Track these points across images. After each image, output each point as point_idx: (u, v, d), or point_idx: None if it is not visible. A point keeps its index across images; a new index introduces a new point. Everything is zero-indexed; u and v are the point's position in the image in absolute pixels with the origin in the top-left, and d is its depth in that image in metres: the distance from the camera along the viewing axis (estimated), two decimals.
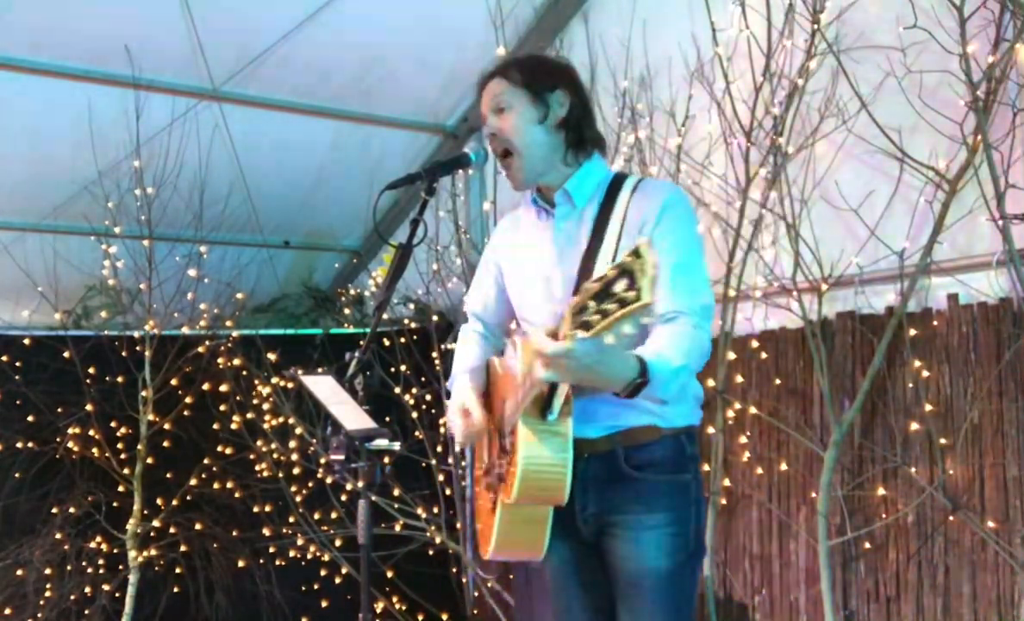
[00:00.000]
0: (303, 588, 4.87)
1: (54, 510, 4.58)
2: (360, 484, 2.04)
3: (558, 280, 2.06)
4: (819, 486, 3.28)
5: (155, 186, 4.37)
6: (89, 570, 4.58)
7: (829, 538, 3.27)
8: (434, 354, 4.73)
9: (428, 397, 4.78)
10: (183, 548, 4.72)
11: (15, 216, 4.63)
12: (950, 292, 3.08)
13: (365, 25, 4.19)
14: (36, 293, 4.52)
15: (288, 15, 4.04)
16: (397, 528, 4.56)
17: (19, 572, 4.48)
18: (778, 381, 3.58)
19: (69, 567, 4.54)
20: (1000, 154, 2.82)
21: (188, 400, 4.71)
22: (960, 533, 3.02)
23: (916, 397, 3.12)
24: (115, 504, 4.64)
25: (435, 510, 4.63)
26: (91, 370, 4.62)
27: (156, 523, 4.64)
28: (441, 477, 4.71)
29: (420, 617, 4.84)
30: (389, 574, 4.72)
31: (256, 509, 4.76)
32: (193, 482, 4.73)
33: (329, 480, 4.63)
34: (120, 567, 4.58)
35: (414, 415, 4.65)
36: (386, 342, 4.74)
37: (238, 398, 4.71)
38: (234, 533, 4.80)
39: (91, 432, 4.58)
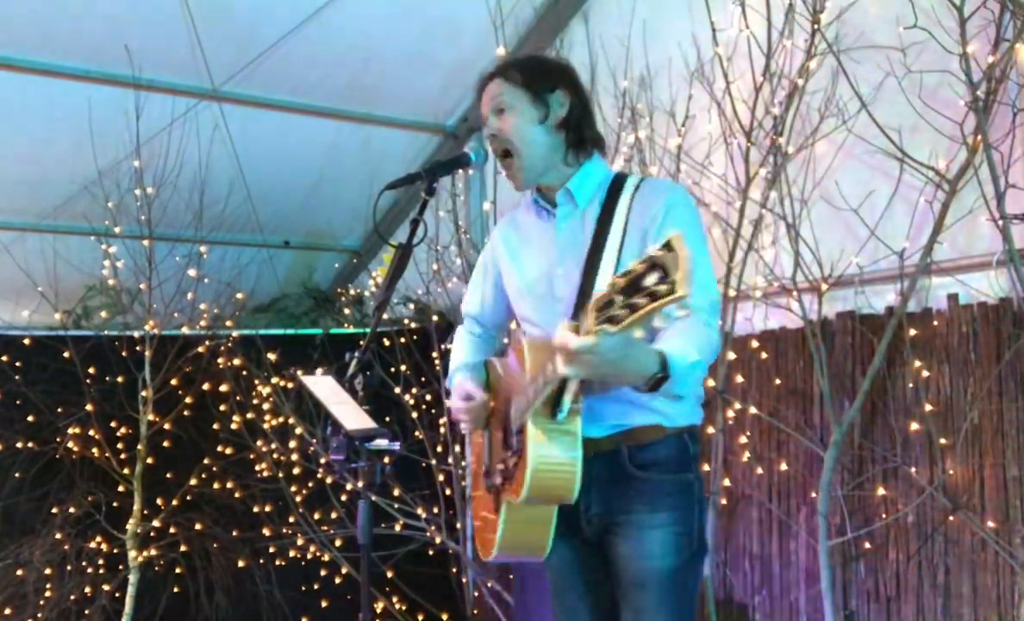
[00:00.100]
0: (303, 588, 4.87)
1: (54, 510, 4.59)
2: (360, 484, 2.04)
3: (561, 280, 2.06)
4: (819, 486, 3.28)
5: (155, 186, 4.37)
6: (89, 570, 4.58)
7: (829, 538, 3.26)
8: (434, 354, 4.74)
9: (428, 397, 4.78)
10: (183, 548, 4.72)
11: (15, 216, 4.64)
12: (950, 292, 3.08)
13: (365, 25, 4.19)
14: (36, 293, 4.52)
15: (288, 15, 4.04)
16: (397, 528, 4.56)
17: (19, 572, 4.48)
18: (778, 381, 3.58)
19: (69, 567, 4.55)
20: (1000, 154, 2.81)
21: (188, 400, 4.72)
22: (960, 533, 3.02)
23: (916, 397, 3.12)
24: (115, 504, 4.65)
25: (435, 510, 4.63)
26: (91, 370, 4.63)
27: (156, 523, 4.65)
28: (441, 477, 4.71)
29: (420, 617, 4.84)
30: (389, 574, 4.72)
31: (256, 509, 4.77)
32: (193, 482, 4.74)
33: (329, 480, 4.63)
34: (120, 567, 4.59)
35: (414, 415, 4.65)
36: (386, 342, 4.74)
37: (238, 398, 4.71)
38: (234, 533, 4.81)
39: (91, 432, 4.58)
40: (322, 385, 2.20)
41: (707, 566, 3.68)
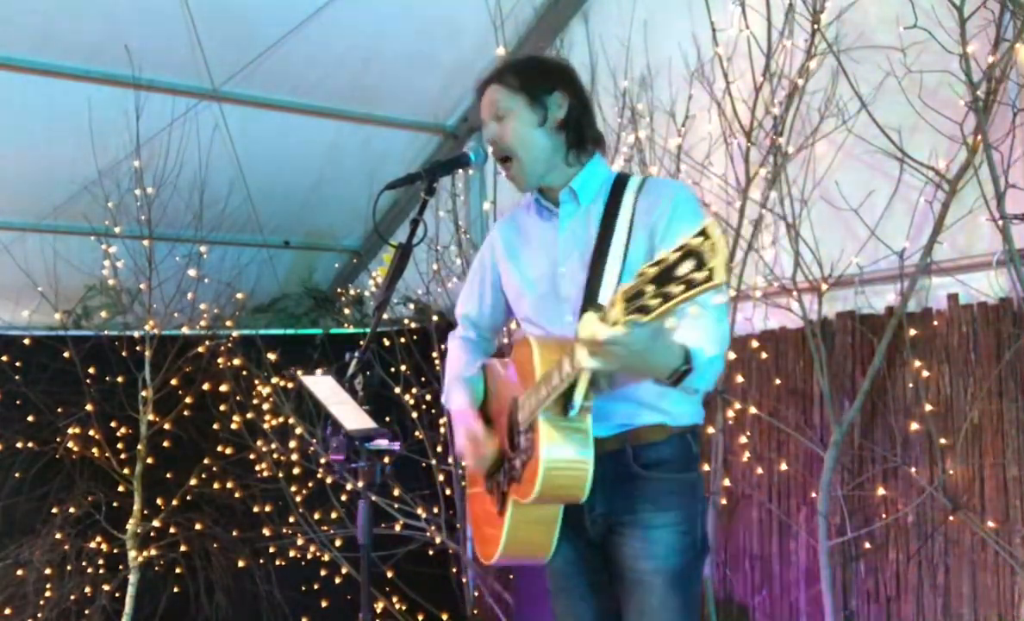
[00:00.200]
0: (303, 588, 4.87)
1: (54, 510, 4.59)
2: (360, 484, 2.04)
3: (565, 278, 2.06)
4: (819, 486, 3.28)
5: (155, 186, 4.37)
6: (89, 570, 4.58)
7: (829, 538, 3.26)
8: (434, 354, 4.73)
9: (428, 397, 4.77)
10: (183, 548, 4.72)
11: (15, 216, 4.64)
12: (950, 292, 3.08)
13: (365, 25, 4.19)
14: (36, 293, 4.52)
15: (288, 15, 4.04)
16: (397, 528, 4.56)
17: (19, 572, 4.48)
18: (778, 381, 3.58)
19: (69, 567, 4.54)
20: (1000, 154, 2.81)
21: (188, 400, 4.72)
22: (960, 533, 3.02)
23: (916, 397, 3.12)
24: (115, 504, 4.65)
25: (435, 510, 4.63)
26: (91, 370, 4.63)
27: (156, 523, 4.65)
28: (441, 477, 4.70)
29: (420, 617, 4.84)
30: (389, 574, 4.72)
31: (256, 509, 4.77)
32: (193, 482, 4.74)
33: (329, 480, 4.63)
34: (120, 567, 4.58)
35: (414, 415, 4.65)
36: (386, 342, 4.74)
37: (238, 398, 4.71)
38: (234, 533, 4.81)
39: (91, 432, 4.58)
40: (322, 385, 2.20)
41: (707, 566, 3.69)
